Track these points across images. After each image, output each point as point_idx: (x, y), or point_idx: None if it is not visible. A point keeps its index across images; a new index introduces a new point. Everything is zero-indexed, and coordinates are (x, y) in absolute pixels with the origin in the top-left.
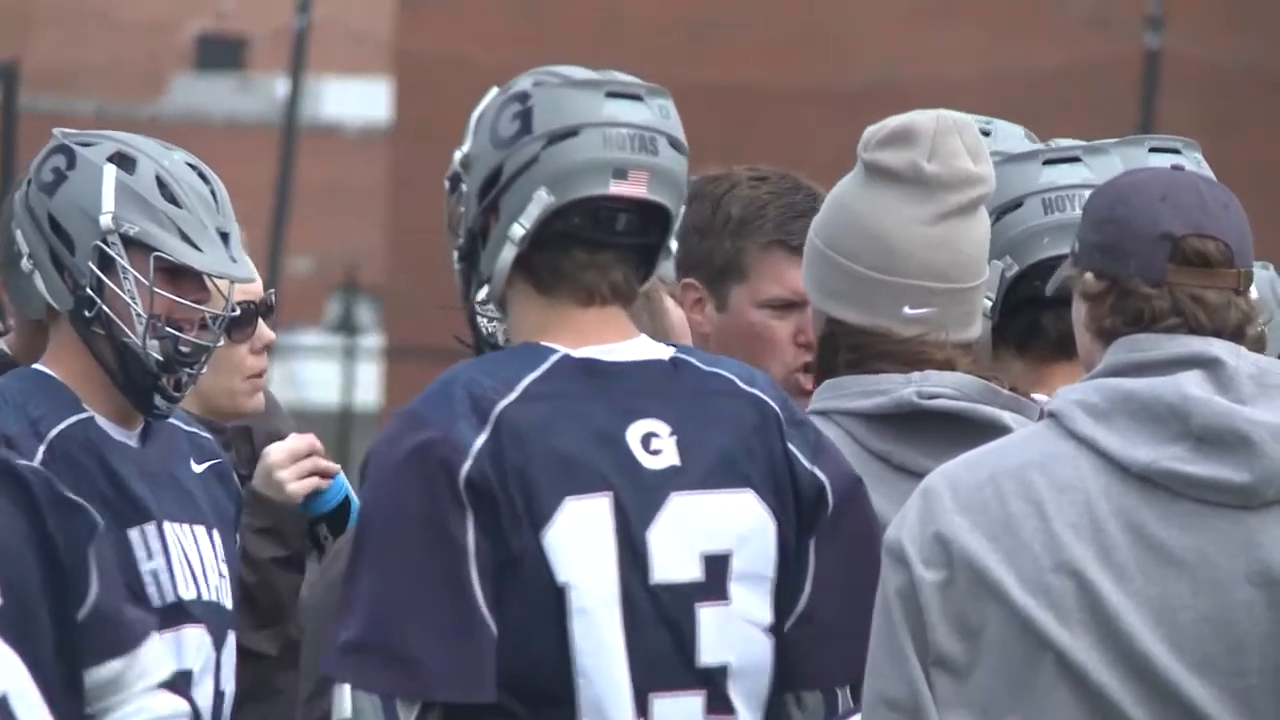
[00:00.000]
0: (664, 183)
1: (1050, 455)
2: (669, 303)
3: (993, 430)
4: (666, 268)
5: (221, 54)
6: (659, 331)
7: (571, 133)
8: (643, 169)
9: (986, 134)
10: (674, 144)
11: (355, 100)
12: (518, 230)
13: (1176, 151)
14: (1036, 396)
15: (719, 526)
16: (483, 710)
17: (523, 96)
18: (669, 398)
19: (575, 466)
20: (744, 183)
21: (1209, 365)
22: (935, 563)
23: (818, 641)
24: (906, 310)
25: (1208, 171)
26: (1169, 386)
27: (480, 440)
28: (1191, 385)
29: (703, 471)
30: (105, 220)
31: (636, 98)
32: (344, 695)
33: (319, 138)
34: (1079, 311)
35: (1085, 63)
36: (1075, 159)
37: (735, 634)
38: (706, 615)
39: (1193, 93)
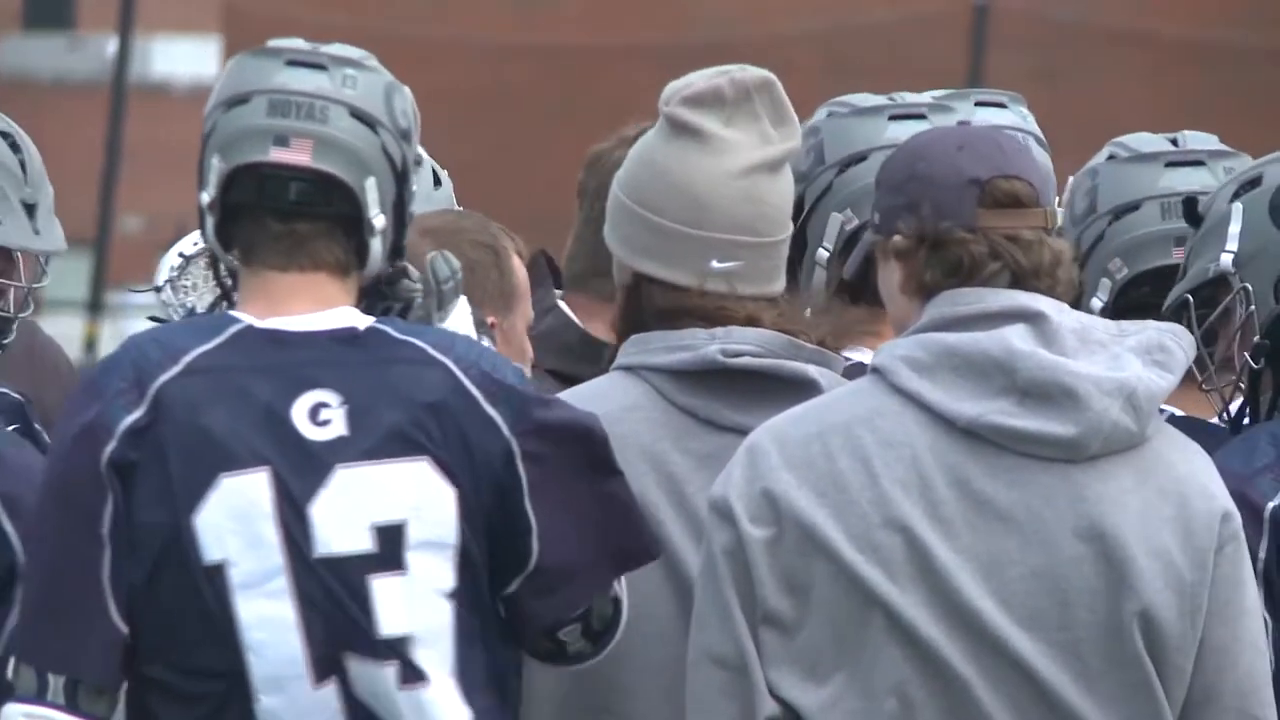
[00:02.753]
0: (333, 151)
1: (876, 410)
2: (515, 262)
3: (797, 384)
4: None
5: (49, 12)
6: (505, 292)
7: (242, 100)
8: (306, 136)
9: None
10: (356, 114)
11: (185, 58)
12: (204, 198)
13: (1002, 105)
14: (848, 354)
15: (390, 497)
16: (155, 686)
17: (227, 67)
18: (346, 367)
19: (231, 443)
20: None
21: (1032, 319)
22: (763, 520)
23: (549, 588)
24: (714, 264)
25: (1033, 124)
26: (993, 340)
27: (131, 419)
28: (1015, 339)
29: (373, 442)
30: None
31: (319, 67)
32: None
33: (148, 96)
34: (891, 277)
35: (915, 16)
36: (920, 115)
37: (417, 603)
38: (382, 586)
39: (1020, 46)
